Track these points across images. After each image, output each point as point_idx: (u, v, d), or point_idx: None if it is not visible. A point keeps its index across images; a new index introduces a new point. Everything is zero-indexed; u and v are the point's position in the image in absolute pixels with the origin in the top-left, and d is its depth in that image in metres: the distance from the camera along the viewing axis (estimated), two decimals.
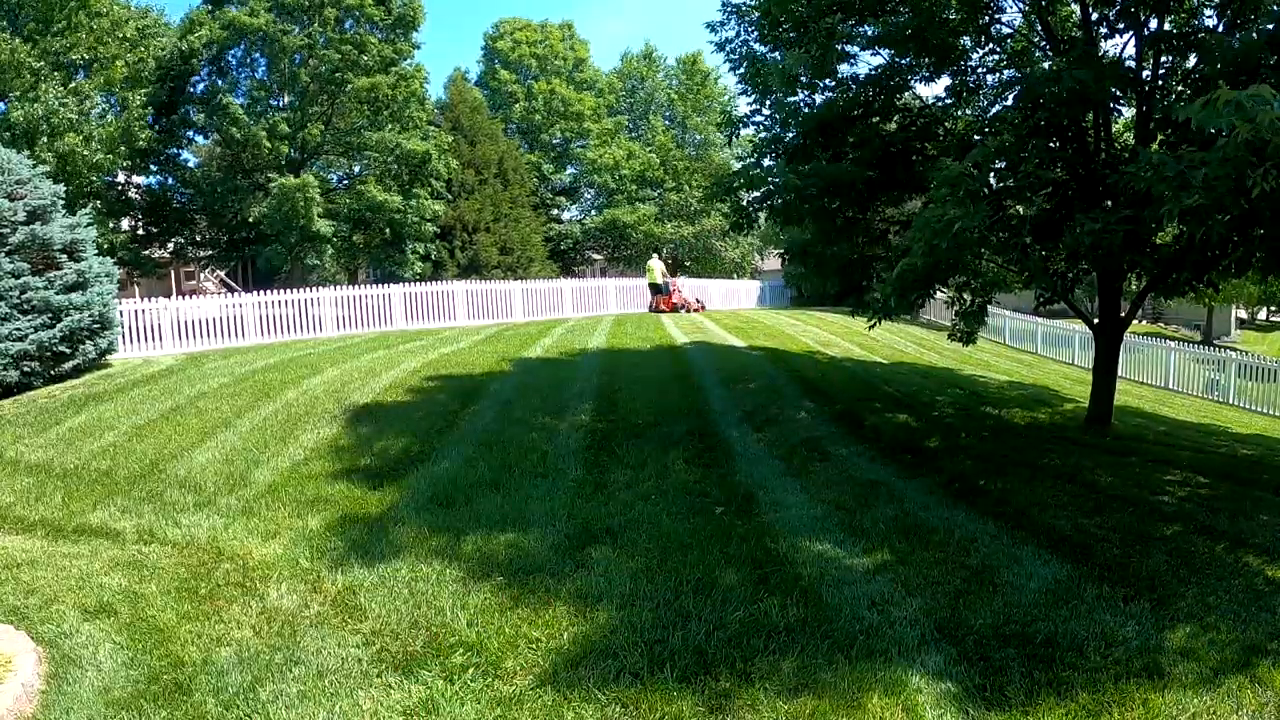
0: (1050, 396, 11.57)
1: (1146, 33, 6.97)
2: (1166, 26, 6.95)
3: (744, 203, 8.93)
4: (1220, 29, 6.72)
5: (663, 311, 18.83)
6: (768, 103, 8.72)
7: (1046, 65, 6.76)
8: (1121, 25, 7.16)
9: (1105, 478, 6.17)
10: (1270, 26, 5.84)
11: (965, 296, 7.91)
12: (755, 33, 8.65)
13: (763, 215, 8.91)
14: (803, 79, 7.99)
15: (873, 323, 7.62)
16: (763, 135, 8.93)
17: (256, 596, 3.85)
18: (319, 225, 21.61)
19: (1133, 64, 7.21)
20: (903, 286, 6.24)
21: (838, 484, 5.64)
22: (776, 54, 8.59)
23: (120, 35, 18.07)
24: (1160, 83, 7.20)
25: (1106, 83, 6.38)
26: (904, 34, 7.26)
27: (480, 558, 4.27)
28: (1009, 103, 7.62)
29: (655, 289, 19.92)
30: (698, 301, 20.71)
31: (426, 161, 23.64)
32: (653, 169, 34.12)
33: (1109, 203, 6.57)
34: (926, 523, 4.84)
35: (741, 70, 8.72)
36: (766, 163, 8.79)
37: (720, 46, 8.94)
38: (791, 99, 8.32)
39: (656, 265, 20.15)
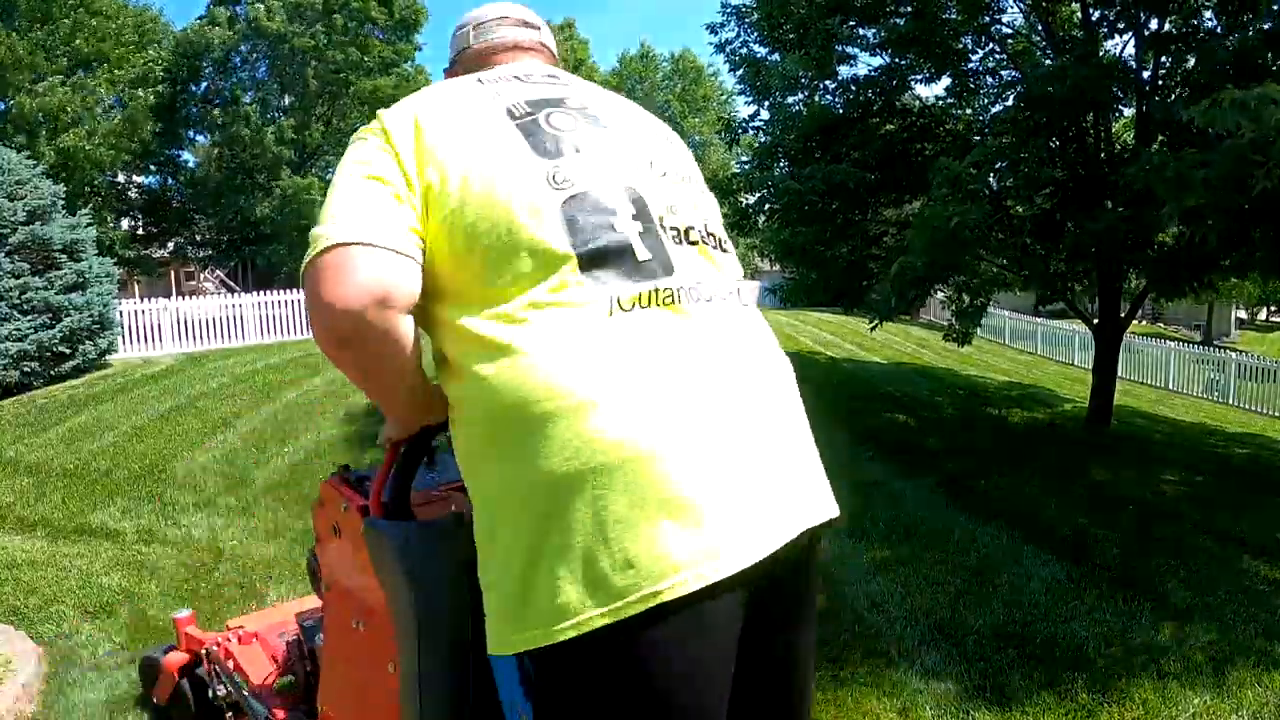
0: (1050, 396, 11.57)
1: (1147, 33, 6.98)
2: (1166, 27, 6.95)
3: (743, 205, 8.93)
4: (1219, 30, 6.73)
5: None
6: (767, 104, 8.72)
7: (1049, 63, 6.76)
8: (1122, 25, 7.16)
9: (1105, 477, 6.17)
10: (1268, 26, 5.85)
11: (964, 297, 7.93)
12: (755, 34, 8.65)
13: (762, 217, 8.91)
14: (803, 81, 7.99)
15: (874, 324, 7.61)
16: (763, 138, 8.93)
17: (256, 597, 3.84)
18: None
19: (1133, 63, 7.21)
20: (902, 285, 6.25)
21: (836, 484, 5.61)
22: (776, 56, 8.59)
23: (121, 37, 18.09)
24: (1160, 83, 7.21)
25: (1108, 82, 6.38)
26: (904, 36, 7.27)
27: None
28: (1009, 103, 7.62)
29: None
30: None
31: None
32: None
33: (1109, 203, 6.58)
34: (926, 523, 4.84)
35: (741, 72, 8.73)
36: (767, 166, 8.80)
37: (720, 48, 8.94)
38: (792, 99, 8.32)
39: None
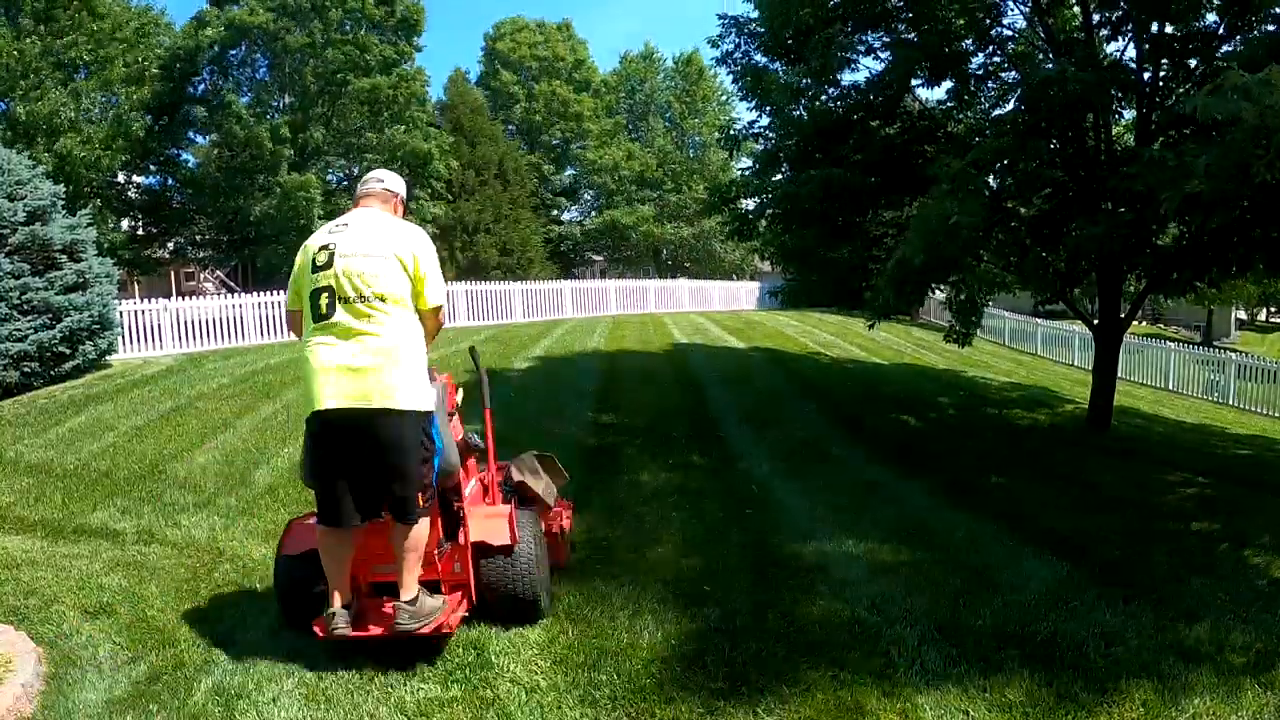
0: (1050, 397, 11.57)
1: (1147, 36, 6.98)
2: (1168, 30, 6.95)
3: (743, 210, 8.93)
4: (1221, 31, 6.73)
5: (386, 633, 3.19)
6: (767, 109, 8.72)
7: (1050, 67, 6.77)
8: (1123, 28, 7.16)
9: (1105, 478, 6.18)
10: (1273, 28, 5.85)
11: (962, 295, 7.94)
12: (755, 44, 8.66)
13: (763, 222, 8.91)
14: (805, 86, 7.98)
15: (871, 323, 7.63)
16: (763, 144, 8.93)
17: (257, 597, 3.85)
18: (320, 225, 21.61)
19: (1133, 65, 7.21)
20: (899, 279, 6.23)
21: (838, 485, 5.64)
22: (777, 65, 8.59)
23: (121, 37, 18.06)
24: (1161, 84, 7.21)
25: (1108, 85, 6.38)
26: (905, 40, 7.27)
27: None
28: (1010, 105, 7.62)
29: (358, 440, 3.02)
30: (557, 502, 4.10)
31: (427, 162, 23.64)
32: (652, 170, 34.10)
33: (1109, 204, 6.58)
34: (927, 523, 4.84)
35: (744, 81, 8.73)
36: (766, 171, 8.79)
37: (721, 60, 8.96)
38: (792, 107, 8.31)
39: (380, 246, 3.05)
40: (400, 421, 2.91)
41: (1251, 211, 5.35)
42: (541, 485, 3.90)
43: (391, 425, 2.90)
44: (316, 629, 3.09)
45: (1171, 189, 4.32)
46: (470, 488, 3.50)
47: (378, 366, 2.88)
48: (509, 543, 3.27)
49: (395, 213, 3.25)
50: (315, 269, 2.98)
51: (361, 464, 2.94)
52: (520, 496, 3.82)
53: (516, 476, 3.87)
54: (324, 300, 2.92)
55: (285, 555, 3.37)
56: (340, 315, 2.90)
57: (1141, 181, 4.81)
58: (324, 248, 3.00)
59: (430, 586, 3.19)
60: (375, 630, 3.09)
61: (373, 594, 3.27)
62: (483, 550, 3.29)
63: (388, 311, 2.93)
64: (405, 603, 3.00)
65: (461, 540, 3.28)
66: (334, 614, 3.00)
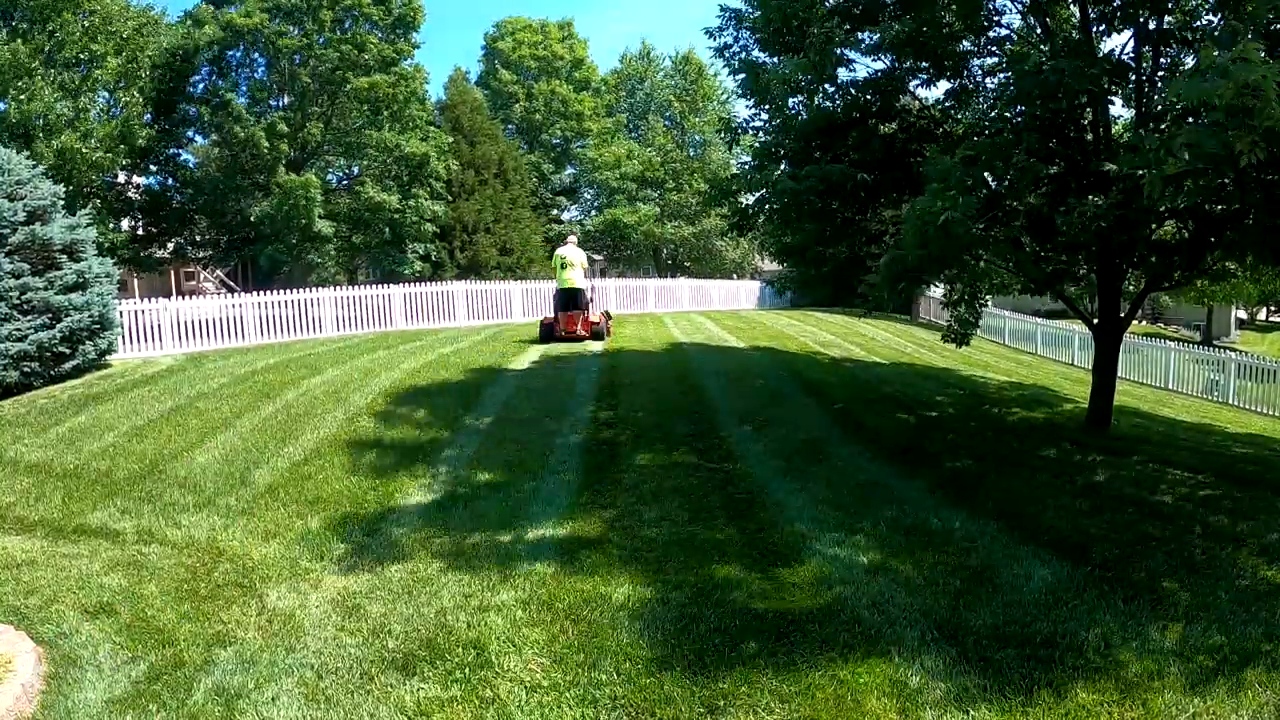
0: (1050, 397, 11.57)
1: (1146, 32, 6.97)
2: (1166, 25, 6.95)
3: (743, 205, 8.92)
4: (1219, 28, 6.72)
5: (575, 337, 13.05)
6: (766, 106, 8.71)
7: (1034, 57, 6.77)
8: (1118, 23, 7.16)
9: (1105, 478, 6.17)
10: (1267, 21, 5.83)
11: (960, 288, 7.93)
12: (754, 39, 8.65)
13: (762, 217, 8.90)
14: (803, 83, 7.97)
15: (863, 313, 7.64)
16: (762, 139, 8.92)
17: (256, 597, 3.85)
18: (320, 225, 21.57)
19: (1131, 61, 7.20)
20: (892, 275, 6.21)
21: (837, 485, 5.64)
22: (775, 60, 8.58)
23: (114, 31, 18.00)
24: (1159, 82, 7.20)
25: (1087, 69, 6.33)
26: (902, 39, 7.27)
27: (480, 559, 4.27)
28: (1006, 100, 7.61)
29: (570, 297, 13.25)
30: (604, 315, 14.11)
31: (426, 162, 23.59)
32: (653, 169, 34.06)
33: (1103, 196, 6.58)
34: (926, 523, 4.84)
35: (741, 76, 8.72)
36: (766, 166, 8.79)
37: (719, 52, 8.95)
38: (791, 101, 8.30)
39: (577, 255, 13.46)
40: (581, 291, 13.14)
41: (1240, 194, 5.33)
42: (607, 314, 14.26)
43: (579, 292, 13.11)
44: (557, 335, 12.74)
45: (1154, 168, 4.29)
46: (594, 310, 13.50)
47: (576, 281, 13.08)
48: (601, 319, 13.49)
49: (575, 241, 13.90)
50: (561, 258, 13.16)
51: (569, 299, 13.04)
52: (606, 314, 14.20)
53: (603, 309, 14.56)
54: (563, 266, 13.08)
55: (544, 323, 13.15)
56: (570, 272, 13.02)
57: (1126, 164, 4.81)
58: (562, 255, 13.19)
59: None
60: (570, 337, 12.80)
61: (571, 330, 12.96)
62: (593, 323, 13.20)
63: (580, 272, 13.16)
64: (581, 329, 12.92)
65: (588, 318, 13.16)
66: (560, 331, 12.78)
